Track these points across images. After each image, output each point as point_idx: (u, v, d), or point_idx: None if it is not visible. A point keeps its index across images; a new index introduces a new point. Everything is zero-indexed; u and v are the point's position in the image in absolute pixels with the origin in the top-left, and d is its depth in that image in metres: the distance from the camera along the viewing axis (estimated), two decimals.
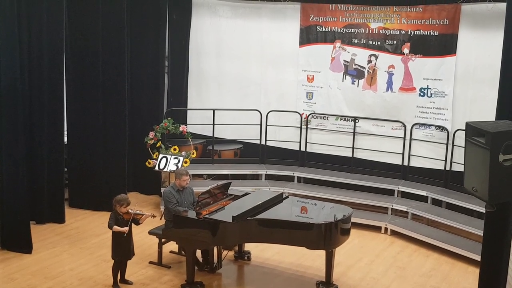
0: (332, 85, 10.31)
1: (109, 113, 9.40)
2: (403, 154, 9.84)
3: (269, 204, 7.19)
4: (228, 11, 10.93)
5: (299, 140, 10.54)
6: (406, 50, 9.63)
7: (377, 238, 8.84)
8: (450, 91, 9.38)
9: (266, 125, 10.59)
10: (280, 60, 10.65)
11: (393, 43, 9.72)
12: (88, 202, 9.51)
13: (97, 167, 9.45)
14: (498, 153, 4.63)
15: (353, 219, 7.41)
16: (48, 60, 8.49)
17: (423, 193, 9.35)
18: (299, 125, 10.53)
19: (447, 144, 9.40)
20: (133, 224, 6.82)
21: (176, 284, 7.05)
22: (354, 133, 10.15)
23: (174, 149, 9.44)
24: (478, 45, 9.05)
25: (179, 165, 9.10)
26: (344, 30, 10.05)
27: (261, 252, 8.00)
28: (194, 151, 9.69)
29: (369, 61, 9.96)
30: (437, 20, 9.32)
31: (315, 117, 10.52)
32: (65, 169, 9.24)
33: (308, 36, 10.37)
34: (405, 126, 9.78)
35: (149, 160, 9.43)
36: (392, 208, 9.35)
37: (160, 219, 7.75)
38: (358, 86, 10.09)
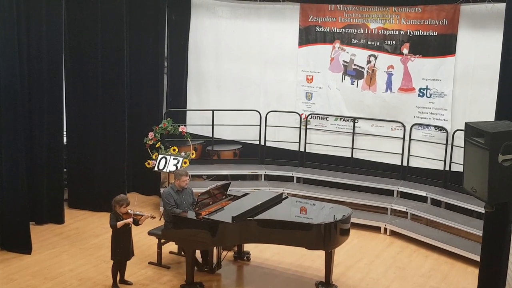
0: (331, 86, 10.32)
1: (109, 113, 9.40)
2: (402, 154, 9.84)
3: (269, 204, 7.19)
4: (227, 12, 10.93)
5: (298, 141, 10.54)
6: (405, 51, 9.64)
7: (376, 239, 8.85)
8: (449, 91, 9.39)
9: (266, 125, 10.59)
10: (279, 61, 10.65)
11: (392, 43, 9.72)
12: (88, 202, 9.51)
13: (96, 167, 9.45)
14: (498, 154, 4.63)
15: (353, 220, 7.41)
16: (47, 61, 8.49)
17: (423, 193, 9.35)
18: (299, 126, 10.53)
19: (446, 144, 9.40)
20: (132, 225, 6.82)
21: (176, 285, 7.05)
22: (353, 133, 10.16)
23: (174, 150, 9.44)
24: (478, 46, 9.05)
25: (179, 165, 9.10)
26: (344, 31, 10.05)
27: (260, 252, 8.00)
28: (194, 151, 9.69)
29: (369, 62, 9.96)
30: (436, 21, 9.32)
31: (314, 117, 10.52)
32: (65, 170, 9.25)
33: (307, 36, 10.37)
34: (404, 126, 9.78)
35: (149, 161, 9.43)
36: (391, 209, 9.35)
37: (160, 219, 7.75)
38: (357, 87, 10.09)
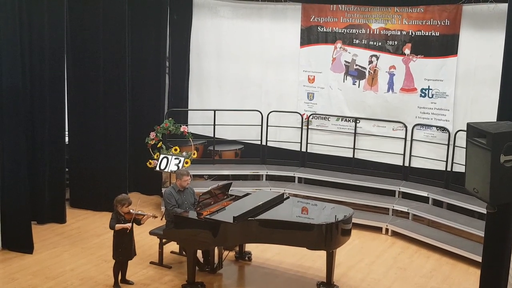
0: (333, 86, 10.31)
1: (110, 113, 9.41)
2: (404, 154, 9.84)
3: (270, 204, 7.19)
4: (229, 12, 10.93)
5: (300, 141, 10.54)
6: (407, 51, 9.63)
7: (377, 239, 8.84)
8: (451, 91, 9.38)
9: (267, 125, 10.59)
10: (281, 61, 10.65)
11: (394, 43, 9.72)
12: (89, 202, 9.52)
13: (98, 167, 9.46)
14: (499, 154, 4.62)
15: (354, 220, 7.41)
16: (49, 61, 8.50)
17: (424, 193, 9.34)
18: (300, 126, 10.53)
19: (448, 145, 9.39)
20: (134, 224, 6.83)
21: (177, 284, 7.06)
22: (355, 133, 10.15)
23: (175, 150, 9.45)
24: (480, 46, 9.04)
25: (180, 165, 9.10)
26: (345, 31, 10.05)
27: (261, 252, 8.00)
28: (195, 151, 9.70)
29: (370, 62, 9.95)
30: (438, 21, 9.31)
31: (316, 117, 10.52)
32: (66, 169, 9.25)
33: (309, 36, 10.37)
34: (406, 126, 9.78)
35: (150, 161, 9.44)
36: (393, 209, 9.34)
37: (161, 219, 7.75)
38: (359, 87, 10.09)
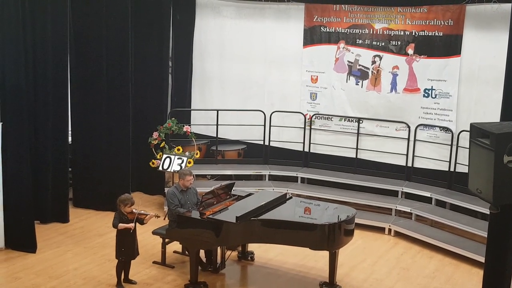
0: (336, 86, 10.31)
1: (113, 113, 9.42)
2: (407, 155, 9.82)
3: (273, 204, 7.19)
4: (231, 12, 10.93)
5: (302, 141, 10.53)
6: (410, 51, 9.62)
7: (380, 239, 8.83)
8: (454, 92, 9.36)
9: (270, 125, 10.59)
10: (284, 61, 10.64)
11: (397, 43, 9.71)
12: (92, 201, 9.53)
13: (101, 167, 9.47)
14: (503, 155, 4.61)
15: (357, 220, 7.39)
16: (53, 61, 8.51)
17: (427, 194, 9.33)
18: (303, 126, 10.52)
19: (451, 145, 9.38)
20: (137, 224, 6.84)
21: (180, 284, 7.06)
22: (358, 134, 10.14)
23: (178, 150, 9.45)
24: (483, 46, 9.02)
25: (183, 165, 9.11)
26: (348, 31, 10.04)
27: (264, 252, 8.00)
28: (198, 151, 9.70)
29: (373, 62, 9.95)
30: (442, 21, 9.30)
31: (318, 117, 10.51)
32: (69, 169, 9.27)
33: (312, 36, 10.36)
34: (409, 127, 9.77)
35: (153, 160, 9.44)
36: (395, 209, 9.33)
37: (164, 219, 7.76)
38: (362, 87, 10.08)
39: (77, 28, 9.18)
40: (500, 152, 4.61)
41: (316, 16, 10.28)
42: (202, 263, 7.35)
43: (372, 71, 9.98)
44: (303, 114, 10.54)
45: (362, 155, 10.22)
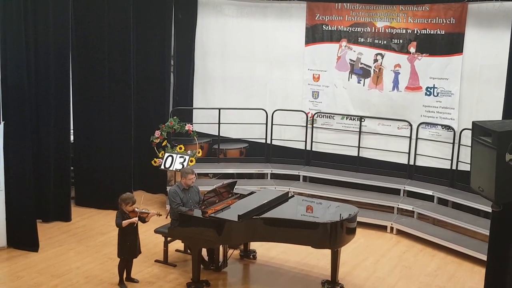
0: (338, 84, 10.30)
1: (115, 112, 9.43)
2: (409, 153, 9.82)
3: (275, 203, 7.19)
4: (233, 10, 10.92)
5: (304, 139, 10.53)
6: (412, 49, 9.61)
7: (382, 238, 8.83)
8: (456, 90, 9.35)
9: (272, 124, 10.59)
10: (285, 59, 10.64)
11: (399, 42, 9.70)
12: (94, 200, 9.54)
13: (103, 165, 9.48)
14: (505, 153, 4.61)
15: (359, 218, 7.41)
16: (54, 60, 8.51)
17: (429, 192, 9.33)
18: (305, 124, 10.52)
19: (453, 143, 9.37)
20: (139, 223, 6.84)
21: (182, 283, 7.07)
22: (360, 132, 10.14)
23: (180, 148, 9.46)
24: (485, 44, 9.01)
25: (185, 164, 9.12)
26: (350, 29, 10.03)
27: (266, 251, 8.00)
28: (200, 150, 9.71)
29: (375, 60, 9.94)
30: (444, 19, 9.29)
31: (320, 116, 10.51)
32: (71, 168, 9.28)
33: (314, 35, 10.36)
34: (411, 125, 9.76)
35: (155, 159, 9.45)
36: (398, 208, 9.33)
37: (166, 217, 7.76)
38: (364, 85, 10.07)
39: (79, 27, 9.17)
40: (502, 150, 4.61)
41: (318, 15, 10.27)
42: (204, 261, 7.35)
43: (374, 70, 9.97)
44: (305, 112, 10.54)
45: (364, 154, 10.22)
